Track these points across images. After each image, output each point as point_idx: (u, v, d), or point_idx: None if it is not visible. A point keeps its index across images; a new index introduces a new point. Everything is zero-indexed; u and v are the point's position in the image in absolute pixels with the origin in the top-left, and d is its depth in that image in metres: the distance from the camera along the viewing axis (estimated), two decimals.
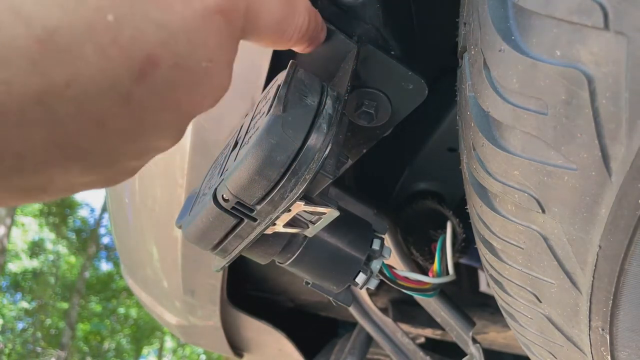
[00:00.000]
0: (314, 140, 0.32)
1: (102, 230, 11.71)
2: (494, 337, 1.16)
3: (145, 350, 12.81)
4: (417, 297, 0.71)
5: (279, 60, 0.54)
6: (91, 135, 0.22)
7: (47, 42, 0.19)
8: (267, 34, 0.30)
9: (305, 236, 0.43)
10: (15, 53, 0.18)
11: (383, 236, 0.49)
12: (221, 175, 0.37)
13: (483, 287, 1.02)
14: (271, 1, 0.29)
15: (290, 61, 0.36)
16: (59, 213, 11.44)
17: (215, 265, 0.43)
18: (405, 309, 0.99)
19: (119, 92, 0.21)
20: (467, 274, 1.05)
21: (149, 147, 0.25)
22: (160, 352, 12.96)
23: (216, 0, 0.24)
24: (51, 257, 11.62)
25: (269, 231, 0.38)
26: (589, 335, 0.41)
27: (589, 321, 0.40)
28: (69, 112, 0.20)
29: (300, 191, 0.33)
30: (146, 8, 0.21)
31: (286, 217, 0.36)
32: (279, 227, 0.38)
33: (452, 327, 0.74)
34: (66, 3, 0.19)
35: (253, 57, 0.52)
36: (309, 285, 0.48)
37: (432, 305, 0.76)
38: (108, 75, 0.20)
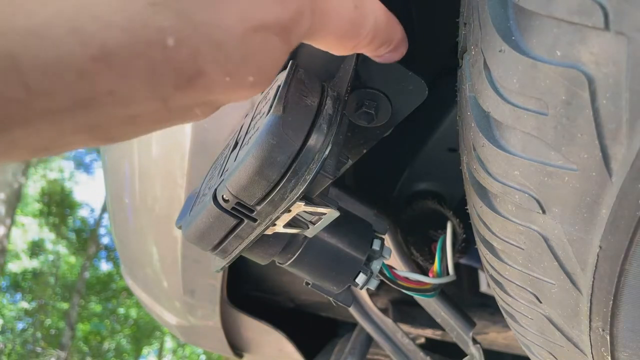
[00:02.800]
0: (314, 140, 0.32)
1: (102, 230, 11.71)
2: (494, 337, 1.16)
3: (145, 350, 12.80)
4: (417, 297, 0.71)
5: None
6: (122, 127, 0.22)
7: (101, 60, 0.19)
8: (335, 35, 0.28)
9: (306, 237, 0.43)
10: (66, 68, 0.18)
11: (383, 236, 0.49)
12: (221, 175, 0.37)
13: (483, 288, 1.02)
14: (343, 8, 0.27)
15: (290, 61, 0.36)
16: (59, 213, 11.44)
17: (215, 266, 0.43)
18: (405, 309, 0.99)
19: (159, 98, 0.21)
20: (467, 275, 1.05)
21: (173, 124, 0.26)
22: (160, 352, 12.96)
23: (277, 17, 0.23)
24: (51, 257, 11.62)
25: (269, 232, 0.38)
26: (590, 335, 0.41)
27: (590, 322, 0.39)
28: (105, 112, 0.20)
29: (301, 192, 0.32)
30: (206, 29, 0.21)
31: (286, 217, 0.36)
32: (279, 228, 0.38)
33: (452, 327, 0.74)
34: (130, 25, 0.19)
35: None
36: (309, 286, 0.48)
37: (432, 306, 0.76)
38: (153, 86, 0.21)
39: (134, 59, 0.19)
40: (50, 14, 0.18)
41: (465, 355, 0.72)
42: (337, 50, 0.31)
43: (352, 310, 0.96)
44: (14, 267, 11.05)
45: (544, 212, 0.35)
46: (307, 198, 0.35)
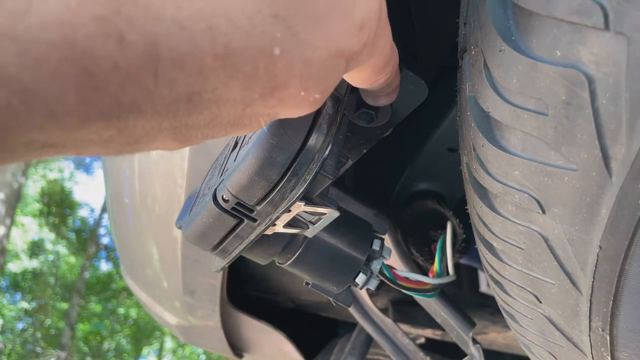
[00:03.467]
0: (314, 140, 0.32)
1: (102, 230, 11.71)
2: (494, 337, 1.16)
3: (145, 351, 12.80)
4: (417, 297, 0.71)
5: None
6: (201, 128, 0.24)
7: (220, 59, 0.20)
8: (372, 69, 0.31)
9: (305, 236, 0.43)
10: (192, 61, 0.20)
11: (383, 236, 0.49)
12: (221, 175, 0.37)
13: (483, 288, 1.02)
14: (387, 39, 0.30)
15: None
16: (59, 213, 11.44)
17: (215, 266, 0.43)
18: (405, 309, 0.99)
19: (243, 102, 0.23)
20: (467, 275, 1.05)
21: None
22: (160, 353, 12.96)
23: (352, 47, 0.25)
24: (51, 257, 11.61)
25: (269, 232, 0.38)
26: (589, 335, 0.41)
27: (589, 322, 0.39)
28: (200, 109, 0.22)
29: (300, 192, 0.32)
30: (304, 46, 0.23)
31: (286, 217, 0.36)
32: (279, 228, 0.38)
33: (452, 327, 0.74)
34: (252, 30, 0.21)
35: None
36: (309, 286, 0.48)
37: (432, 306, 0.76)
38: (244, 90, 0.22)
39: (244, 62, 0.21)
40: (195, 10, 0.19)
41: (465, 355, 0.72)
42: (362, 82, 0.33)
43: (352, 310, 0.96)
44: (14, 267, 11.05)
45: (544, 212, 0.35)
46: (307, 198, 0.35)
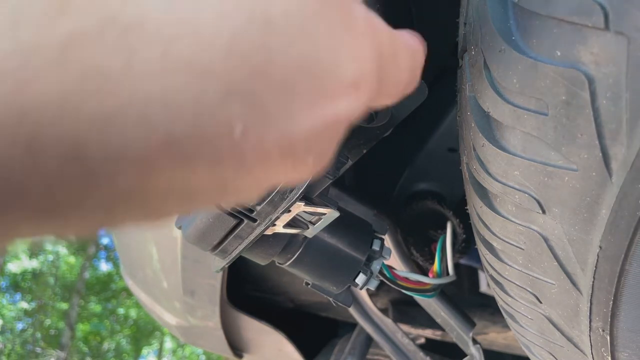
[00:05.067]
0: None
1: (102, 231, 11.69)
2: (494, 337, 1.16)
3: (144, 351, 12.80)
4: (417, 297, 0.71)
5: None
6: (177, 206, 0.21)
7: (164, 150, 0.18)
8: (386, 104, 0.28)
9: (305, 237, 0.43)
10: (129, 155, 0.17)
11: (383, 237, 0.49)
12: None
13: (483, 288, 1.02)
14: (401, 77, 0.26)
15: None
16: None
17: (215, 266, 0.43)
18: (405, 309, 0.99)
19: (219, 181, 0.20)
20: (467, 275, 1.05)
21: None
22: (159, 353, 12.96)
23: (348, 113, 0.22)
24: (51, 257, 11.62)
25: (268, 232, 0.38)
26: (590, 335, 0.41)
27: (590, 322, 0.39)
28: (161, 194, 0.19)
29: (300, 192, 0.32)
30: (276, 119, 0.19)
31: (286, 217, 0.36)
32: (279, 228, 0.38)
33: (452, 327, 0.74)
34: (201, 115, 0.18)
35: None
36: (309, 286, 0.48)
37: (432, 306, 0.76)
38: (213, 171, 0.19)
39: (199, 147, 0.18)
40: (122, 101, 0.17)
41: (465, 355, 0.72)
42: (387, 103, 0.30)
43: (352, 310, 0.96)
44: (13, 267, 11.05)
45: (544, 212, 0.35)
46: (307, 198, 0.35)
